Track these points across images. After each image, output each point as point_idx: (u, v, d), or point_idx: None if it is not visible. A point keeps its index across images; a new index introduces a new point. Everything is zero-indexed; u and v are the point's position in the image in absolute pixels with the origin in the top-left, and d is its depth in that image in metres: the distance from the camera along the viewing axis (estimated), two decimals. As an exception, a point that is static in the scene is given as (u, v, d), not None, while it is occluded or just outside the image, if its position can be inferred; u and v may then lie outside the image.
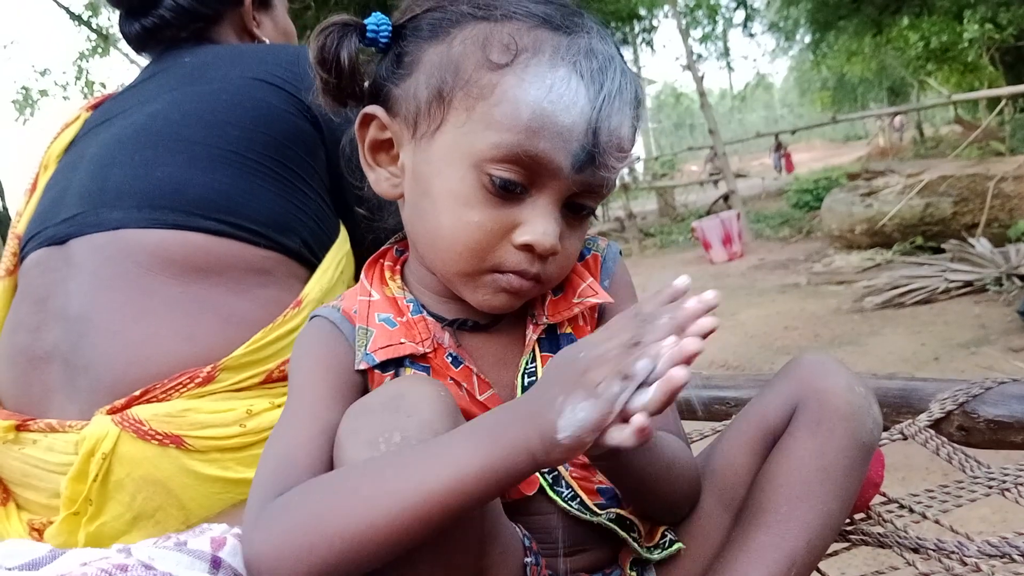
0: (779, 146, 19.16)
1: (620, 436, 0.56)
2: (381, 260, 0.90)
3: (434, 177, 0.77)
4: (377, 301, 0.84)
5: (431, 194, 0.77)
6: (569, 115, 0.72)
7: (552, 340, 0.85)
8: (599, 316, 0.89)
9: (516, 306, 0.82)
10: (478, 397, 0.81)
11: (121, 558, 0.70)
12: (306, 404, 0.77)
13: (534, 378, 0.82)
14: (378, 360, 0.79)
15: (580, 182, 0.75)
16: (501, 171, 0.73)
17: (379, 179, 0.84)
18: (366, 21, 0.81)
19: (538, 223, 0.75)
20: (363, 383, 0.81)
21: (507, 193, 0.74)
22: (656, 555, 0.85)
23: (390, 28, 0.81)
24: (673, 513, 0.88)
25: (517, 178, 0.74)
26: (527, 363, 0.83)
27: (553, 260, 0.78)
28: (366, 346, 0.80)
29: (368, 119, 0.82)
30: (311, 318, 0.87)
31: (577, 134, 0.72)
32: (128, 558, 0.70)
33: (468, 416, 0.78)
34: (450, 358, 0.81)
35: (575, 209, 0.79)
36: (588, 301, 0.86)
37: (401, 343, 0.80)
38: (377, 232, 0.96)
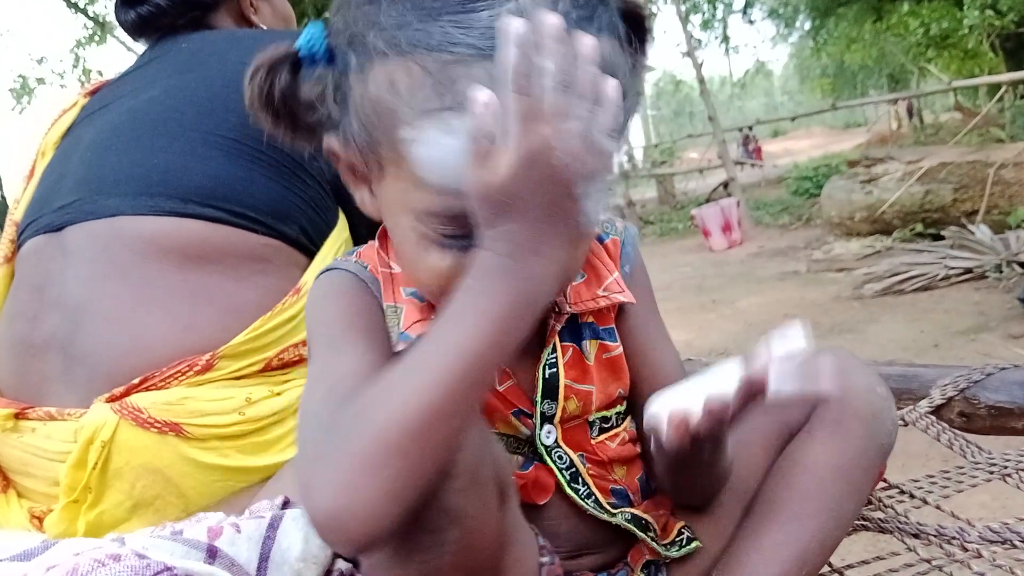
0: (747, 140, 19.12)
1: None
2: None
3: (390, 218, 0.73)
4: (400, 274, 0.78)
5: (394, 232, 0.73)
6: None
7: (573, 330, 0.82)
8: (621, 310, 0.85)
9: None
10: (497, 387, 0.78)
11: (115, 548, 0.69)
12: (349, 350, 0.70)
13: (555, 369, 0.79)
14: (413, 337, 0.73)
15: None
16: (442, 227, 0.66)
17: (362, 199, 0.76)
18: (297, 44, 0.73)
19: None
20: None
21: (457, 239, 0.67)
22: (674, 552, 0.84)
23: (324, 43, 0.72)
24: (707, 498, 0.87)
25: (461, 230, 0.65)
26: (548, 354, 0.79)
27: None
28: (398, 324, 0.75)
29: (329, 147, 0.75)
30: (325, 271, 0.80)
31: None
32: (122, 547, 0.70)
33: (488, 406, 0.78)
34: None
35: None
36: (615, 297, 0.82)
37: (434, 317, 0.73)
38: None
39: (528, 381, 0.79)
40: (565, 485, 0.79)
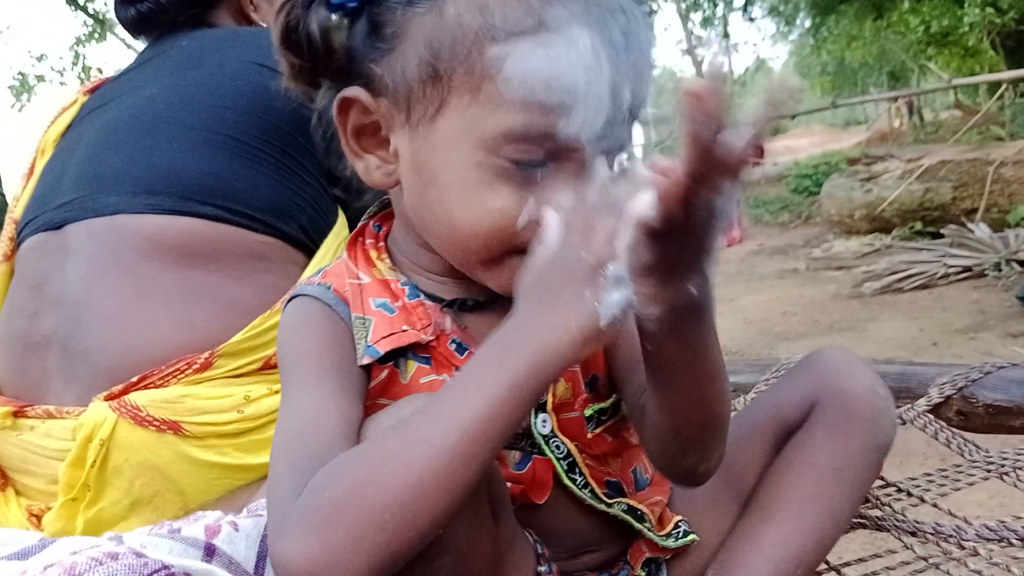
0: None
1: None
2: (360, 239, 0.82)
3: (442, 165, 0.69)
4: (369, 284, 0.76)
5: (440, 183, 0.70)
6: (590, 86, 0.62)
7: None
8: None
9: None
10: None
11: (112, 546, 0.69)
12: (317, 393, 0.69)
13: None
14: (382, 352, 0.72)
15: (602, 149, 0.67)
16: (520, 153, 0.66)
17: (368, 168, 0.75)
18: None
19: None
20: (367, 379, 0.74)
21: (529, 173, 0.67)
22: (671, 543, 0.84)
23: None
24: (708, 446, 0.76)
25: (538, 157, 0.66)
26: None
27: None
28: (366, 337, 0.73)
29: (348, 103, 0.72)
30: (293, 298, 0.78)
31: (600, 106, 0.63)
32: (119, 546, 0.70)
33: None
34: (454, 345, 0.75)
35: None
36: None
37: (404, 331, 0.73)
38: (357, 213, 0.88)
39: None
40: (563, 475, 0.78)
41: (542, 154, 0.66)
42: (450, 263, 0.76)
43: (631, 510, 0.82)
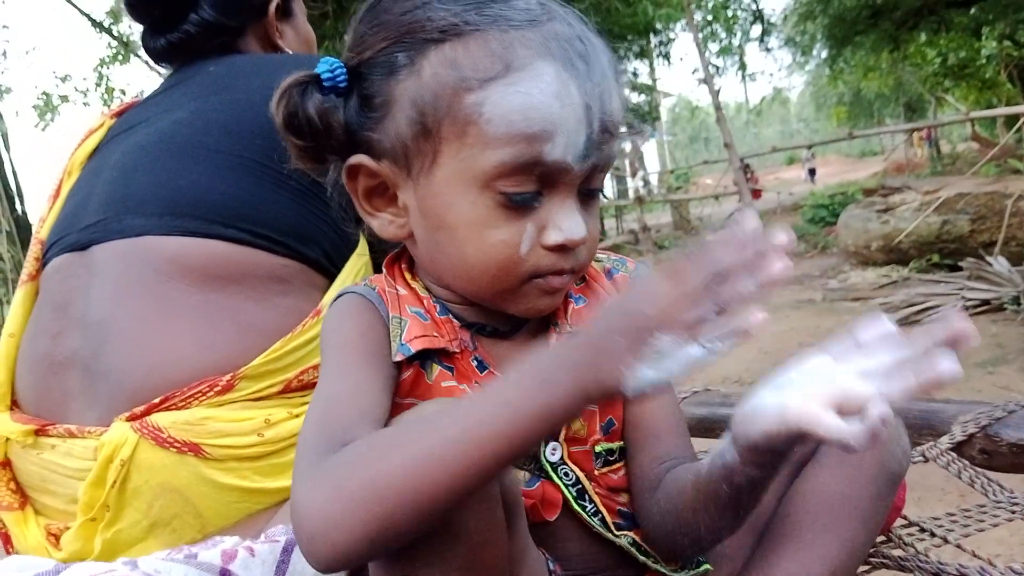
0: (746, 169, 19.04)
1: (849, 432, 0.52)
2: (400, 262, 0.87)
3: (445, 209, 0.75)
4: (405, 295, 0.82)
5: (447, 226, 0.76)
6: (563, 111, 0.70)
7: None
8: None
9: (558, 304, 0.82)
10: None
11: (126, 571, 0.70)
12: (352, 374, 0.74)
13: None
14: (414, 350, 0.77)
15: (589, 167, 0.74)
16: (512, 186, 0.72)
17: (383, 224, 0.82)
18: (317, 70, 0.78)
19: (563, 221, 0.74)
20: (397, 375, 0.78)
21: (524, 204, 0.73)
22: (684, 574, 0.85)
23: (344, 70, 0.79)
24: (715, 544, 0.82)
25: (530, 188, 0.72)
26: None
27: (583, 247, 0.77)
28: (400, 335, 0.78)
29: (355, 170, 0.80)
30: (340, 295, 0.84)
31: (577, 126, 0.71)
32: (134, 571, 0.70)
33: None
34: (475, 362, 0.80)
35: (587, 193, 0.78)
36: None
37: (435, 336, 0.79)
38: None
39: None
40: (572, 501, 0.81)
41: (534, 184, 0.73)
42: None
43: (637, 544, 0.83)
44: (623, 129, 0.76)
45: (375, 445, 0.61)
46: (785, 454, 0.63)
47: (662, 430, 0.85)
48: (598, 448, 0.83)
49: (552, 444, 0.81)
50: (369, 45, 0.77)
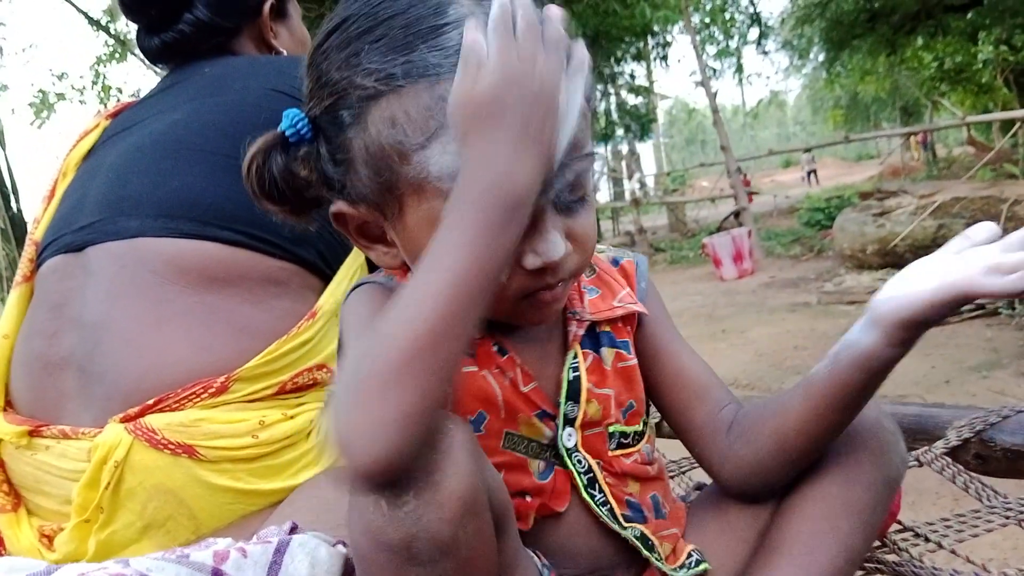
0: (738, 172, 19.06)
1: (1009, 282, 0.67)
2: None
3: (423, 247, 0.72)
4: None
5: None
6: None
7: (592, 337, 0.87)
8: (638, 324, 0.92)
9: (560, 309, 0.83)
10: (522, 389, 0.82)
11: (118, 569, 0.70)
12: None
13: (578, 373, 0.84)
14: None
15: (555, 193, 0.72)
16: None
17: (379, 256, 0.83)
18: (280, 126, 0.78)
19: (539, 246, 0.72)
20: None
21: None
22: (682, 574, 0.85)
23: (307, 121, 0.77)
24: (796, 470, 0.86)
25: None
26: (571, 359, 0.85)
27: (572, 253, 0.75)
28: None
29: (340, 215, 0.80)
30: (357, 286, 0.85)
31: None
32: (125, 568, 0.70)
33: (511, 407, 0.81)
34: (496, 347, 0.82)
35: (568, 204, 0.75)
36: (629, 307, 0.89)
37: None
38: None
39: (551, 384, 0.84)
40: (582, 489, 0.83)
41: None
42: None
43: (643, 537, 0.85)
44: (587, 148, 0.73)
45: (378, 334, 0.62)
46: (928, 327, 0.72)
47: (705, 381, 0.91)
48: (612, 429, 0.86)
49: (568, 430, 0.83)
50: (317, 101, 0.76)
